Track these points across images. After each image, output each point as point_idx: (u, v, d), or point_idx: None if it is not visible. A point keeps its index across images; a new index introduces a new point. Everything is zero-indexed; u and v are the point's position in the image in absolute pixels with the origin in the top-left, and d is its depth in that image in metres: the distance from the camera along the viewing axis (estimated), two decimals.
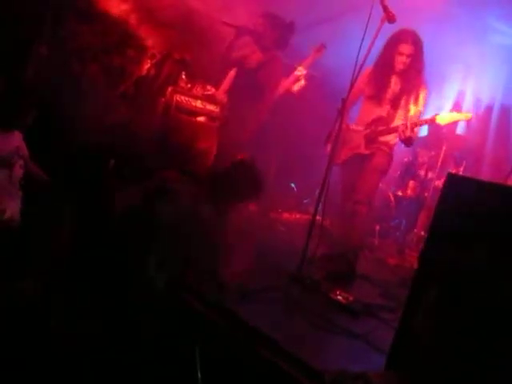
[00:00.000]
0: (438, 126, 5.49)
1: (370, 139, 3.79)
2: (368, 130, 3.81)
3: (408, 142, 3.66)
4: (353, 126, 3.90)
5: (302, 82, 4.49)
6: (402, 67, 3.68)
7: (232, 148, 4.17)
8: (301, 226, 4.51)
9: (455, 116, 3.67)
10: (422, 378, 1.48)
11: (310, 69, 4.69)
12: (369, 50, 3.36)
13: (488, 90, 5.79)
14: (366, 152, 3.78)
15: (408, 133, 3.55)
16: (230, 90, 4.50)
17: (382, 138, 3.78)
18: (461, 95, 6.14)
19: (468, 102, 6.09)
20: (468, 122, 6.06)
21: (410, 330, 1.91)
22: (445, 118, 3.61)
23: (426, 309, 1.55)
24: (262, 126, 4.35)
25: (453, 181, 2.19)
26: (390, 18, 3.40)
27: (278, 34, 4.34)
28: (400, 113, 3.75)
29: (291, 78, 4.54)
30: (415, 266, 2.14)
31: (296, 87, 4.53)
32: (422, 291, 1.85)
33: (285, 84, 4.56)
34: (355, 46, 3.34)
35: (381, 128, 3.76)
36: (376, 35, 3.38)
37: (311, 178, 4.91)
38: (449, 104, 6.06)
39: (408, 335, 1.92)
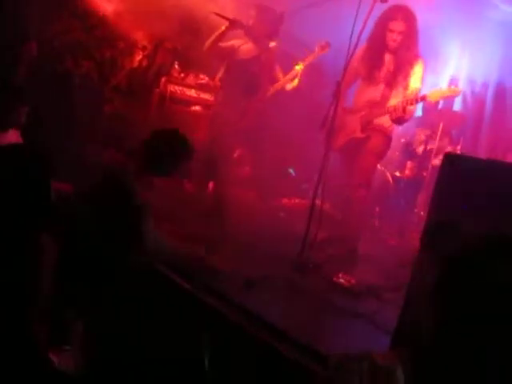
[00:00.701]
0: (434, 105, 5.49)
1: (366, 122, 3.77)
2: (363, 113, 3.78)
3: (399, 121, 3.66)
4: (348, 110, 3.88)
5: (296, 82, 4.42)
6: (393, 45, 3.64)
7: (229, 137, 4.14)
8: (300, 210, 4.51)
9: (444, 92, 3.65)
10: (424, 360, 1.50)
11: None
12: (361, 31, 3.33)
13: (484, 67, 5.75)
14: (362, 136, 3.76)
15: (399, 113, 3.55)
16: (225, 81, 4.44)
17: (378, 121, 3.76)
18: (457, 72, 6.10)
19: (464, 79, 6.05)
20: (464, 99, 6.05)
21: (414, 311, 1.92)
22: (434, 94, 3.60)
23: (427, 293, 1.55)
24: (258, 115, 4.30)
25: (450, 160, 2.18)
26: None
27: (270, 26, 4.29)
28: (396, 92, 3.71)
29: (290, 76, 4.47)
30: (416, 246, 2.15)
31: (289, 86, 4.48)
32: (422, 274, 1.86)
33: (284, 81, 4.48)
34: (348, 27, 3.31)
35: (375, 111, 3.73)
36: (368, 15, 3.35)
37: (310, 162, 4.90)
38: (445, 81, 6.02)
39: (412, 317, 1.93)
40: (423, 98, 3.58)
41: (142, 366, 2.39)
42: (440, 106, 5.73)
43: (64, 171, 3.70)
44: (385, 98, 3.72)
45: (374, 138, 3.75)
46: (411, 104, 3.55)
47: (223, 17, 4.22)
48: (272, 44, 4.39)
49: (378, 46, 3.69)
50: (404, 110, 3.53)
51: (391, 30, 3.60)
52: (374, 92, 3.76)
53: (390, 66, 3.71)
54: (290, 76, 4.42)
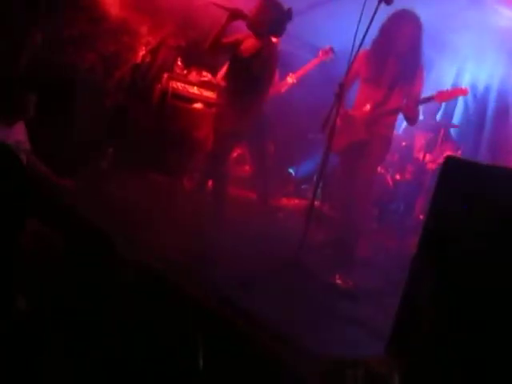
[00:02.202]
0: (435, 109, 5.50)
1: (370, 123, 3.75)
2: (368, 115, 3.76)
3: (413, 120, 3.68)
4: (351, 112, 3.86)
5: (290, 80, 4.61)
6: (401, 49, 3.63)
7: (231, 136, 4.09)
8: (299, 211, 4.50)
9: (453, 92, 3.69)
10: (422, 366, 1.49)
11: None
12: (366, 33, 3.32)
13: (486, 73, 5.74)
14: (366, 137, 3.74)
15: (412, 112, 3.57)
16: (228, 79, 4.35)
17: (380, 122, 3.75)
18: (459, 78, 6.08)
19: (466, 83, 6.03)
20: (466, 104, 6.05)
21: (410, 316, 1.91)
22: (444, 94, 3.62)
23: (426, 296, 1.54)
24: (260, 115, 4.22)
25: (451, 164, 2.17)
26: None
27: (275, 19, 4.05)
28: (398, 94, 3.71)
29: (283, 84, 4.69)
30: (414, 250, 2.14)
31: (284, 88, 4.68)
32: (421, 278, 1.85)
33: (277, 87, 4.60)
34: (351, 28, 3.29)
35: (379, 112, 3.72)
36: (373, 17, 3.33)
37: (310, 163, 4.90)
38: (446, 87, 5.99)
39: (407, 322, 1.92)
40: (432, 98, 3.60)
41: (135, 366, 2.37)
42: (441, 111, 5.73)
43: (63, 165, 3.71)
44: (388, 100, 3.72)
45: (375, 141, 3.73)
46: (421, 103, 3.58)
47: (222, 7, 3.95)
48: (274, 40, 4.24)
49: (385, 48, 3.67)
50: (416, 108, 3.56)
51: (401, 34, 3.59)
52: (377, 94, 3.74)
53: (394, 69, 3.70)
54: (282, 84, 4.64)
